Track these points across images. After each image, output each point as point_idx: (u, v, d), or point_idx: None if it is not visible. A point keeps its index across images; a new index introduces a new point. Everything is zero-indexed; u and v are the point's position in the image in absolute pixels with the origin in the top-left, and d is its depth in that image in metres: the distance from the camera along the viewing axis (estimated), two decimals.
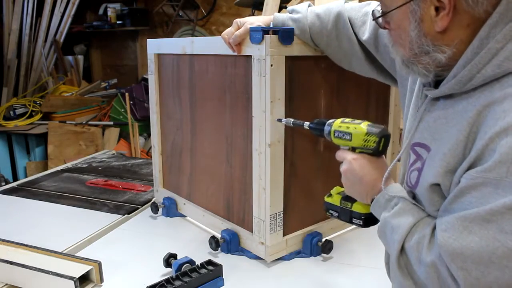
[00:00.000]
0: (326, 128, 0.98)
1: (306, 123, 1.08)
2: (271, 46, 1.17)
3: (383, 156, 0.94)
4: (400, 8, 0.78)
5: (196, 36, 4.49)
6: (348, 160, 0.93)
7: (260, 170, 1.27)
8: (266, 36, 1.17)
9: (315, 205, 1.44)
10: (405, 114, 0.99)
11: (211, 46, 1.40)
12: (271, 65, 1.18)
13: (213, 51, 1.39)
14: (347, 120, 0.96)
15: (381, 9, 0.85)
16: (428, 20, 0.76)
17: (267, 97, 1.20)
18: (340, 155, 0.97)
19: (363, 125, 0.92)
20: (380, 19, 0.85)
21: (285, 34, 1.20)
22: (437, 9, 0.74)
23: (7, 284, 1.22)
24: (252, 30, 1.19)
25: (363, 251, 1.41)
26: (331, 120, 0.99)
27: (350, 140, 0.93)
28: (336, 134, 0.96)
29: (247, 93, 1.28)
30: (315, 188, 1.43)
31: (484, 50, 0.72)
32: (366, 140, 0.90)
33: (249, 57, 1.24)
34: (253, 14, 3.12)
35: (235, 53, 1.26)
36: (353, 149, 0.94)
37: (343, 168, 0.95)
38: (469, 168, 0.71)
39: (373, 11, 0.88)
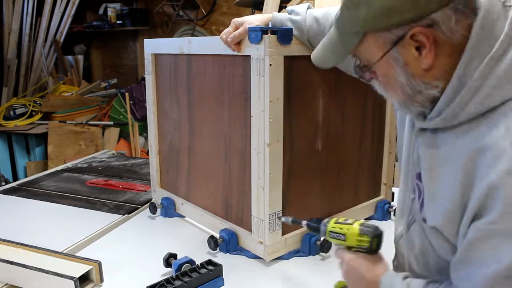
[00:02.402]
0: (322, 228, 1.03)
1: (304, 222, 1.11)
2: (269, 46, 1.17)
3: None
4: (382, 59, 0.78)
5: (196, 36, 4.49)
6: (346, 262, 0.96)
7: (259, 169, 1.27)
8: (265, 36, 1.17)
9: (314, 204, 1.45)
10: (399, 135, 1.01)
11: (208, 46, 1.40)
12: (270, 65, 1.18)
13: (211, 51, 1.39)
14: (340, 220, 0.99)
15: (362, 63, 0.84)
16: (412, 61, 0.75)
17: (266, 97, 1.21)
18: (338, 254, 0.99)
19: (356, 225, 0.95)
20: (365, 74, 0.85)
21: (283, 34, 1.20)
22: (417, 48, 0.74)
23: (7, 284, 1.23)
24: (251, 30, 1.20)
25: None
26: (325, 220, 1.03)
27: (345, 240, 0.96)
28: (331, 235, 1.00)
29: (246, 93, 1.29)
30: (314, 187, 1.43)
31: (464, 89, 0.72)
32: (359, 240, 0.94)
33: (248, 57, 1.24)
34: (253, 14, 3.12)
35: (234, 53, 1.27)
36: (348, 248, 0.97)
37: (343, 269, 0.97)
38: (474, 218, 0.71)
39: (355, 66, 0.87)
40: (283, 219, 1.25)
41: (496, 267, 0.68)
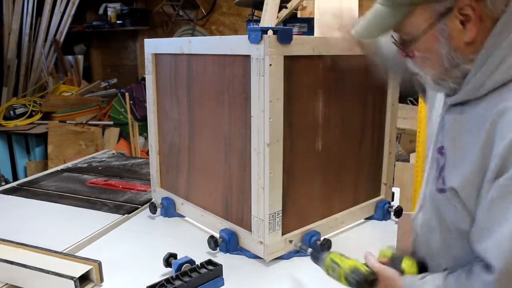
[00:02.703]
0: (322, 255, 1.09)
1: (310, 250, 1.18)
2: (269, 46, 1.17)
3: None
4: (428, 32, 0.80)
5: (196, 36, 4.49)
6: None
7: (259, 169, 1.27)
8: (265, 36, 1.17)
9: (314, 204, 1.45)
10: (429, 119, 1.04)
11: (209, 46, 1.40)
12: (270, 65, 1.18)
13: (211, 51, 1.39)
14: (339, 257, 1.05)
15: (404, 37, 0.87)
16: (456, 34, 0.79)
17: (266, 97, 1.21)
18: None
19: (347, 268, 1.01)
20: (406, 49, 0.87)
21: (283, 34, 1.20)
22: (462, 22, 0.78)
23: (7, 284, 1.23)
24: (251, 30, 1.20)
25: (362, 250, 1.41)
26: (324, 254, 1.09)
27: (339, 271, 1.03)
28: (328, 262, 1.06)
29: (246, 93, 1.29)
30: (314, 187, 1.43)
31: (491, 58, 0.77)
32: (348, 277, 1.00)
33: (248, 57, 1.24)
34: (253, 14, 3.12)
35: (234, 53, 1.27)
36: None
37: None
38: (496, 177, 0.74)
39: (395, 42, 0.89)
40: (293, 244, 1.33)
41: None
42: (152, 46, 1.66)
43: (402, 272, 1.01)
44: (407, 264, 1.02)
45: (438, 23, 0.79)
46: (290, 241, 1.34)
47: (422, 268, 1.02)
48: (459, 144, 0.84)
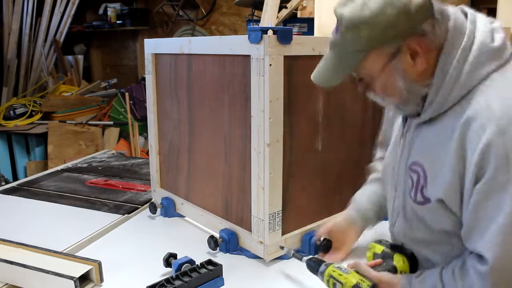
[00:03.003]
0: (322, 268, 1.10)
1: (305, 258, 1.18)
2: (269, 45, 1.17)
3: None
4: (383, 70, 0.89)
5: (196, 36, 4.49)
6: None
7: (259, 169, 1.27)
8: (265, 36, 1.17)
9: (313, 204, 1.45)
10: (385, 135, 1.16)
11: (209, 46, 1.40)
12: (270, 65, 1.18)
13: (211, 50, 1.39)
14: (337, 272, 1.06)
15: (361, 76, 0.94)
16: (409, 68, 0.88)
17: (266, 97, 1.21)
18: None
19: (352, 278, 1.02)
20: (363, 86, 0.96)
21: (283, 34, 1.20)
22: (411, 56, 0.87)
23: (7, 284, 1.23)
24: (251, 30, 1.20)
25: (361, 249, 1.41)
26: (326, 263, 1.11)
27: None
28: (329, 278, 1.07)
29: (246, 93, 1.29)
30: (314, 187, 1.43)
31: (448, 77, 0.86)
32: None
33: (248, 56, 1.24)
34: (253, 14, 3.12)
35: (234, 53, 1.27)
36: None
37: None
38: (475, 182, 0.82)
39: (352, 81, 0.97)
40: (285, 249, 1.29)
41: (502, 217, 0.78)
42: (152, 46, 1.66)
43: (394, 269, 1.05)
44: (398, 260, 1.06)
45: (391, 62, 0.88)
46: (282, 247, 1.31)
47: (413, 262, 1.06)
48: (435, 159, 0.91)
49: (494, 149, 0.78)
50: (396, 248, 1.09)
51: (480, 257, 0.84)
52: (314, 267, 1.13)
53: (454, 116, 0.87)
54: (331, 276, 1.06)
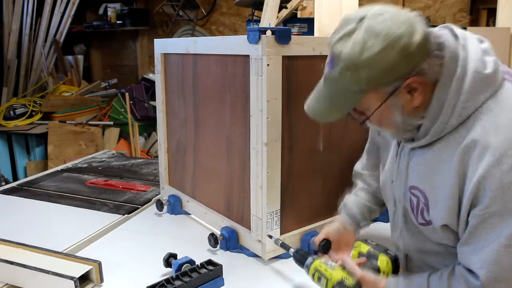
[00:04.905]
0: (308, 260, 1.12)
1: (292, 250, 1.19)
2: (267, 46, 1.17)
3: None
4: (380, 107, 0.90)
5: (196, 36, 4.49)
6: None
7: (258, 168, 1.28)
8: (263, 36, 1.17)
9: (314, 204, 1.45)
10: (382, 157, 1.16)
11: (211, 46, 1.41)
12: (268, 65, 1.19)
13: (214, 50, 1.40)
14: (323, 266, 1.09)
15: (359, 110, 0.95)
16: (406, 103, 0.90)
17: (264, 97, 1.21)
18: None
19: (338, 274, 1.05)
20: (360, 119, 0.96)
21: (281, 34, 1.20)
22: (409, 92, 0.88)
23: (7, 284, 1.23)
24: (249, 30, 1.20)
25: None
26: (313, 256, 1.12)
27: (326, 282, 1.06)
28: (315, 272, 1.09)
29: (246, 93, 1.29)
30: (313, 187, 1.43)
31: (445, 107, 0.88)
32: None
33: (247, 56, 1.24)
34: (253, 14, 3.12)
35: (236, 52, 1.28)
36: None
37: None
38: (471, 207, 0.86)
39: (349, 114, 0.97)
40: (273, 238, 1.29)
41: (497, 240, 0.83)
42: (161, 46, 1.68)
43: (377, 269, 1.08)
44: (383, 261, 1.08)
45: (389, 99, 0.89)
46: (270, 236, 1.30)
47: (396, 267, 1.09)
48: (435, 184, 0.94)
49: (490, 179, 0.82)
50: (381, 249, 1.11)
51: (471, 271, 0.88)
52: (300, 259, 1.14)
53: (453, 142, 0.89)
54: (317, 270, 1.07)
